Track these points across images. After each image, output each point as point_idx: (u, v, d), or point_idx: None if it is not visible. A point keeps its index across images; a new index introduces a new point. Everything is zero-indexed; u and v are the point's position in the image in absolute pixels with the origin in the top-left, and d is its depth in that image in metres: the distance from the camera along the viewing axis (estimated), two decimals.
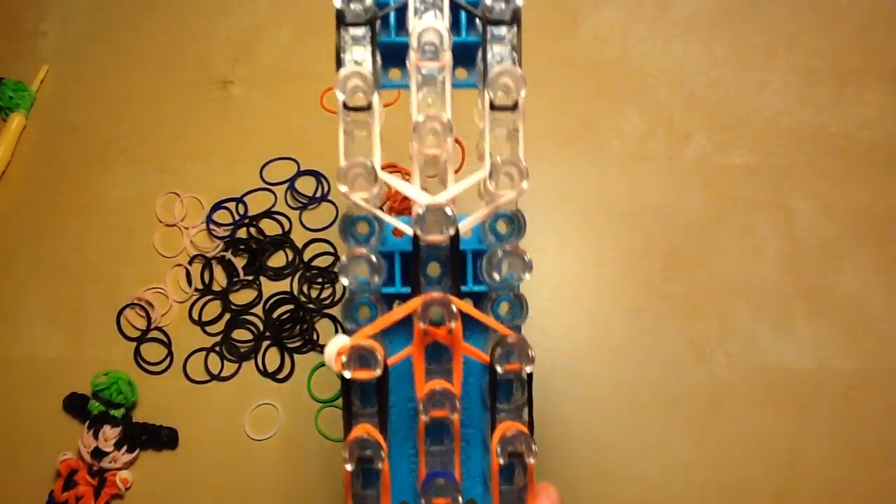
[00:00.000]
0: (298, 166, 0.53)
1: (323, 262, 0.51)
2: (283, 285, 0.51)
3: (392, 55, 0.27)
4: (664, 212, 0.52)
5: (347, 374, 0.23)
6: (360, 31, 0.26)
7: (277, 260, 0.51)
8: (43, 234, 0.53)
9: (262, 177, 0.53)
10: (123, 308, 0.50)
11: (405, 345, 0.25)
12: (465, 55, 0.27)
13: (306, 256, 0.51)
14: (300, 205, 0.53)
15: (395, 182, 0.25)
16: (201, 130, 0.55)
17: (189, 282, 0.51)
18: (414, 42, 0.25)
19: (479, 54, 0.26)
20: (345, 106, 0.25)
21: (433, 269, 0.26)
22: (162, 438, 0.46)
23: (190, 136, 0.55)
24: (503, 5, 0.26)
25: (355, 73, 0.25)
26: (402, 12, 0.26)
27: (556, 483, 0.46)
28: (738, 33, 0.58)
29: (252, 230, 0.52)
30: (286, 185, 0.53)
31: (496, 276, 0.26)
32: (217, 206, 0.52)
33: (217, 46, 0.58)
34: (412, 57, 0.25)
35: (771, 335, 0.49)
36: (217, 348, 0.49)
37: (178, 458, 0.47)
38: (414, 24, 0.25)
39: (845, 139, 0.54)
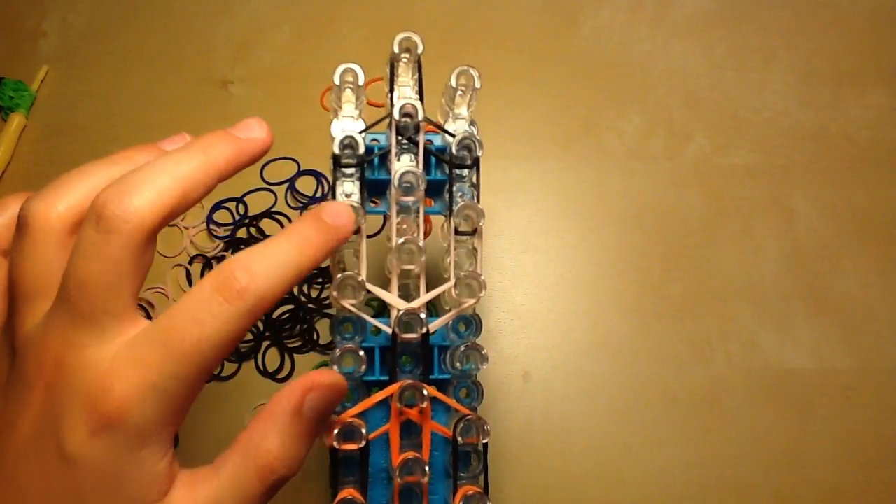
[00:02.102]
0: (298, 166, 0.53)
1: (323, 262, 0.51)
2: None
3: (375, 188, 0.33)
4: (664, 212, 0.52)
5: (337, 446, 0.28)
6: (350, 171, 0.32)
7: None
8: None
9: (262, 177, 0.53)
10: None
11: (381, 421, 0.30)
12: (434, 189, 0.33)
13: None
14: (300, 205, 0.53)
15: (379, 291, 0.31)
16: (201, 130, 0.55)
17: (189, 282, 0.51)
18: (395, 181, 0.30)
19: (446, 188, 0.32)
20: None
21: (407, 360, 0.31)
22: None
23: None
24: (466, 153, 0.32)
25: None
26: (383, 155, 0.32)
27: (556, 483, 0.46)
28: (738, 33, 0.58)
29: (252, 230, 0.52)
30: (286, 185, 0.53)
31: (458, 367, 0.31)
32: (217, 206, 0.52)
33: (217, 46, 0.58)
34: (393, 192, 0.31)
35: (771, 335, 0.49)
36: None
37: (179, 458, 0.47)
38: (395, 166, 0.31)
39: (845, 139, 0.54)
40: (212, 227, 0.52)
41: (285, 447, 0.24)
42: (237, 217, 0.52)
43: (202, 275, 0.51)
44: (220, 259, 0.51)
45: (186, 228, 0.52)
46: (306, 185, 0.53)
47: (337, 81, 0.32)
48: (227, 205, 0.52)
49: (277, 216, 0.52)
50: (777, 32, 0.58)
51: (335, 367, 0.30)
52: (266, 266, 0.23)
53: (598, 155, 0.54)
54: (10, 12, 0.60)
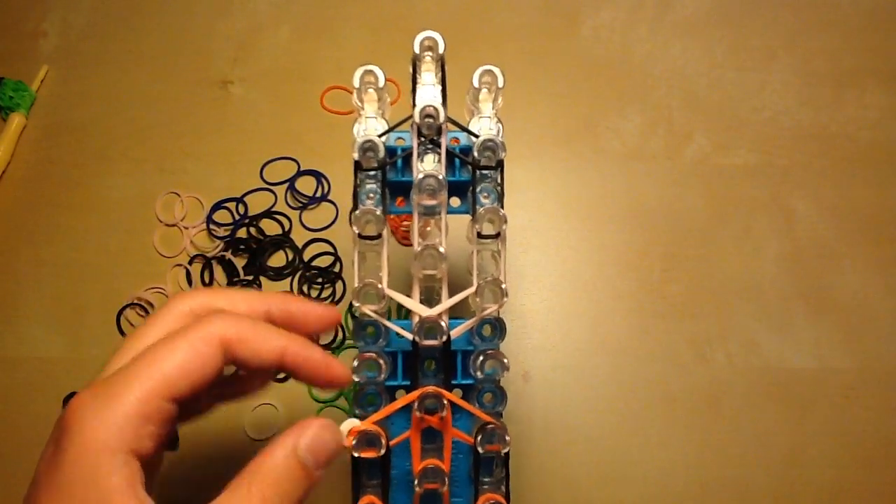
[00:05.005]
0: (298, 166, 0.53)
1: (323, 262, 0.51)
2: (284, 285, 0.51)
3: (399, 188, 0.33)
4: (664, 212, 0.52)
5: (356, 454, 0.28)
6: (372, 172, 0.31)
7: (277, 260, 0.51)
8: (43, 234, 0.53)
9: (262, 177, 0.53)
10: (123, 308, 0.50)
11: (406, 425, 0.30)
12: (459, 188, 0.33)
13: (306, 256, 0.51)
14: (300, 205, 0.53)
15: (400, 297, 0.31)
16: (201, 130, 0.55)
17: (189, 282, 0.51)
18: (416, 185, 0.30)
19: (470, 189, 0.32)
20: (359, 236, 0.31)
21: (429, 365, 0.31)
22: None
23: (190, 136, 0.55)
24: (490, 155, 0.31)
25: (368, 211, 0.30)
26: (406, 156, 0.32)
27: (556, 483, 0.46)
28: (738, 33, 0.58)
29: (252, 230, 0.52)
30: (286, 185, 0.53)
31: (481, 372, 0.31)
32: (217, 206, 0.52)
33: (217, 46, 0.58)
34: (415, 196, 0.30)
35: (771, 335, 0.49)
36: None
37: (179, 459, 0.47)
38: (419, 167, 0.31)
39: (845, 139, 0.54)
40: (212, 227, 0.52)
41: (282, 477, 0.25)
42: (237, 217, 0.52)
43: (202, 275, 0.51)
44: (220, 259, 0.51)
45: (186, 228, 0.52)
46: (306, 185, 0.53)
47: (357, 84, 0.32)
48: (227, 205, 0.52)
49: (277, 216, 0.52)
50: (777, 32, 0.58)
51: (354, 377, 0.30)
52: None
53: (598, 155, 0.54)
54: (10, 12, 0.60)
